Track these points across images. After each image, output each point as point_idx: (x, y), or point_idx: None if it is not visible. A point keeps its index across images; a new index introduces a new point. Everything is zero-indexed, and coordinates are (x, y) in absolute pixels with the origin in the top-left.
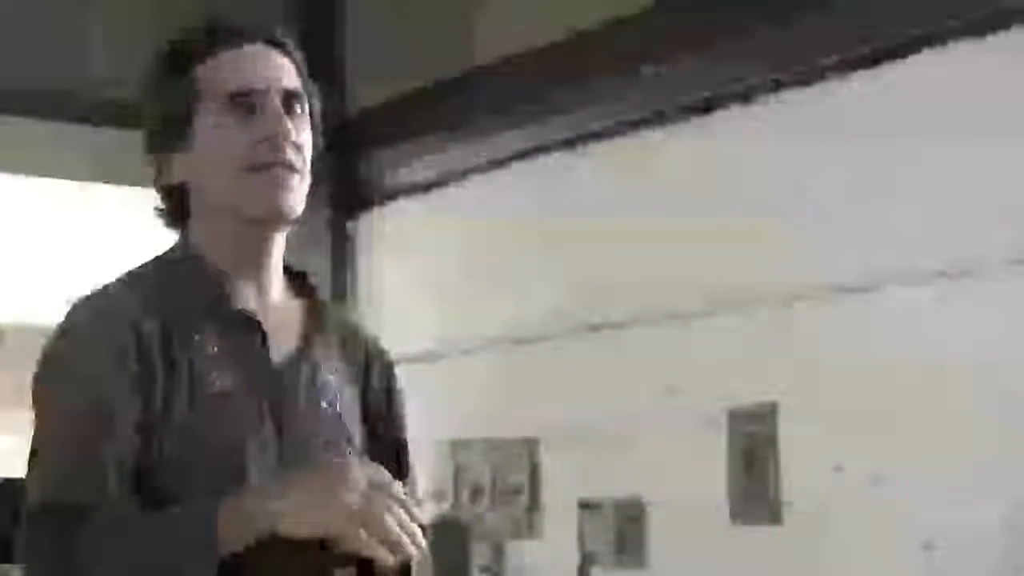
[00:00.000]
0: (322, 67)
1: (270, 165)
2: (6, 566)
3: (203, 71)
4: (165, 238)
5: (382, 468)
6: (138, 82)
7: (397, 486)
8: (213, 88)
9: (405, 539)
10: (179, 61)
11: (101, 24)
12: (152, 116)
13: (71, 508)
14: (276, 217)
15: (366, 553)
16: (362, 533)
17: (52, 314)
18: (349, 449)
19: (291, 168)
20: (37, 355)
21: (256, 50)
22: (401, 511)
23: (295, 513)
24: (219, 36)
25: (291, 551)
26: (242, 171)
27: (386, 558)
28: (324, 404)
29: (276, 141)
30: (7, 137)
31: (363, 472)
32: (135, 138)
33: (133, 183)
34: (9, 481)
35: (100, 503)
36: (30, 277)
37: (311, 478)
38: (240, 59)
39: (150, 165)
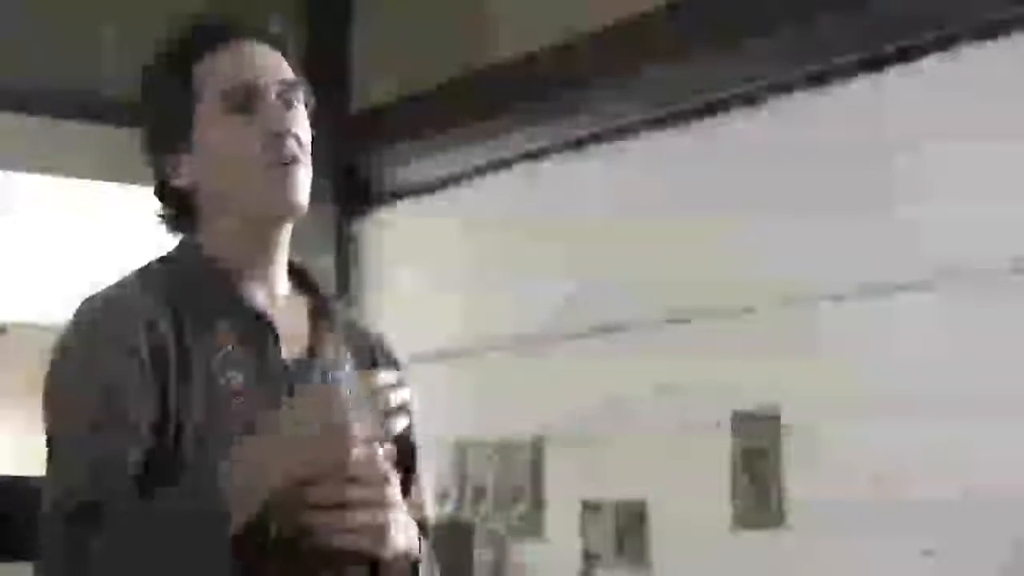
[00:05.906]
0: (330, 65)
1: (284, 162)
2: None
3: (199, 70)
4: (170, 237)
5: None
6: (137, 85)
7: (383, 392)
8: (211, 87)
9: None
10: (175, 61)
11: (112, 23)
12: (154, 117)
13: (85, 507)
14: (293, 213)
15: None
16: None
17: (55, 312)
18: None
19: (300, 162)
20: (39, 352)
21: (250, 46)
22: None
23: (288, 455)
24: (213, 34)
25: (307, 554)
26: (258, 170)
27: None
28: None
29: (284, 137)
30: (13, 134)
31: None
32: (139, 137)
33: (138, 182)
34: (12, 479)
35: (114, 501)
36: (34, 274)
37: (296, 409)
38: (235, 56)
39: (152, 166)
